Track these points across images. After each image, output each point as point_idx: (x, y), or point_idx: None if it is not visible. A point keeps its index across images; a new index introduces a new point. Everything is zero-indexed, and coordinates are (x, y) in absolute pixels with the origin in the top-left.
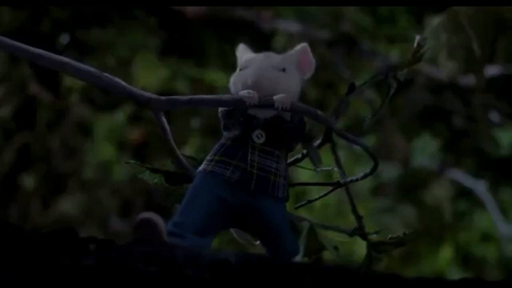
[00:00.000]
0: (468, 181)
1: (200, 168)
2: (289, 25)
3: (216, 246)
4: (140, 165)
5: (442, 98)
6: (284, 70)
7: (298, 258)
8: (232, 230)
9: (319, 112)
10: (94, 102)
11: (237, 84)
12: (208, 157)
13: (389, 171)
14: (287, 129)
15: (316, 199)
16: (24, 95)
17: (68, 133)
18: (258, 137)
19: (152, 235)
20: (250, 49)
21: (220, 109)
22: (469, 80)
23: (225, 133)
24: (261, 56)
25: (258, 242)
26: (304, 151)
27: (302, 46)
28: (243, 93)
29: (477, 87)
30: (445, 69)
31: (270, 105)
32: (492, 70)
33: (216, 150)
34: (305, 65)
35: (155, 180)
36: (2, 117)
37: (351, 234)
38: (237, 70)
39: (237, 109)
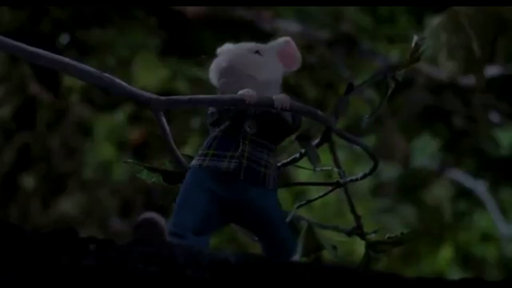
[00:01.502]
0: (468, 181)
1: (193, 163)
2: (289, 25)
3: (216, 246)
4: (139, 164)
5: (442, 98)
6: (258, 53)
7: (297, 257)
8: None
9: (319, 112)
10: (94, 102)
11: (212, 71)
12: (200, 152)
13: (389, 171)
14: (278, 120)
15: (316, 198)
16: (24, 95)
17: (68, 133)
18: (250, 127)
19: (153, 235)
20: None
21: (210, 108)
22: (469, 80)
23: (213, 128)
24: (233, 45)
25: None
26: (303, 151)
27: (284, 38)
28: (243, 92)
29: (477, 87)
30: (445, 69)
31: (269, 104)
32: (492, 70)
33: (208, 144)
34: (286, 56)
35: (153, 179)
36: (2, 117)
37: (350, 233)
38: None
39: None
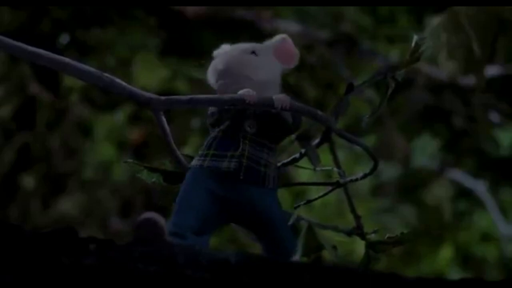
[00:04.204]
0: (468, 181)
1: (193, 163)
2: (289, 25)
3: (216, 246)
4: (138, 164)
5: (442, 98)
6: (254, 53)
7: (297, 257)
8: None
9: (319, 112)
10: (94, 102)
11: (210, 73)
12: (200, 152)
13: (389, 171)
14: (277, 120)
15: (315, 199)
16: (24, 95)
17: (68, 133)
18: (250, 127)
19: (153, 235)
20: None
21: (210, 109)
22: (469, 80)
23: (213, 128)
24: (230, 46)
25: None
26: (303, 151)
27: (280, 36)
28: (243, 92)
29: (477, 87)
30: (445, 69)
31: (269, 104)
32: (492, 70)
33: (208, 144)
34: (283, 54)
35: (153, 179)
36: (2, 117)
37: (349, 233)
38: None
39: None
